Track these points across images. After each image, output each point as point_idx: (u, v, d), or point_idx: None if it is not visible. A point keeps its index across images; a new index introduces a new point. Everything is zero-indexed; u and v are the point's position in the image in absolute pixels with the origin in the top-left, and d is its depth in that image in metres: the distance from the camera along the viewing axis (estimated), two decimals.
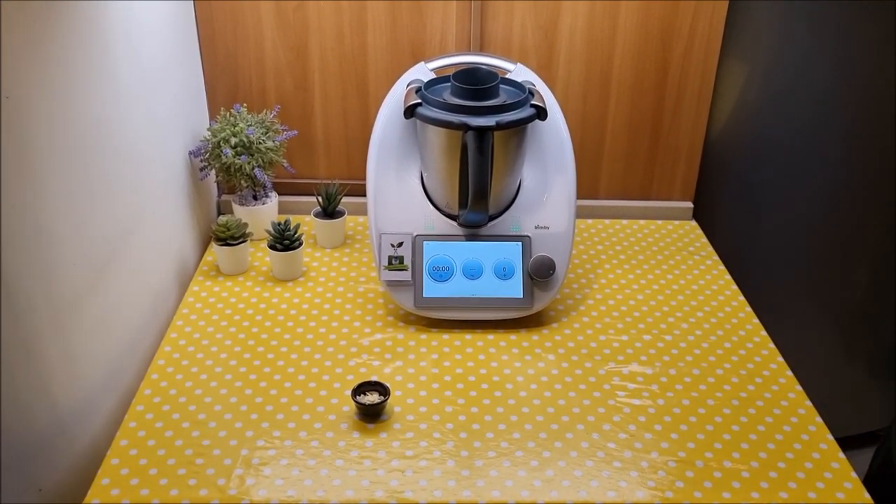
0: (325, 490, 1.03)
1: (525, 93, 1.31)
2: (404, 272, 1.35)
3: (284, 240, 1.46)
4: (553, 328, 1.38)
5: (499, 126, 1.24)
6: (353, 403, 1.16)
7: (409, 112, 1.30)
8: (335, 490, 1.03)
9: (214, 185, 1.71)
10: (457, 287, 1.35)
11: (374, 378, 1.22)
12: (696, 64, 1.64)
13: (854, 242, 1.82)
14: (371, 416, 1.16)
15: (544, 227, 1.37)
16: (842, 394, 1.97)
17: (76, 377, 1.08)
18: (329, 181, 1.62)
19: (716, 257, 1.63)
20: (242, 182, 1.54)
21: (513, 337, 1.35)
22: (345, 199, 1.61)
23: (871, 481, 1.18)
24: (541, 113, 1.30)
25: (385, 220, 1.37)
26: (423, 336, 1.34)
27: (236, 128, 1.51)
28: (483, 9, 1.57)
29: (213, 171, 1.55)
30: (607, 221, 1.76)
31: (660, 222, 1.76)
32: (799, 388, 1.25)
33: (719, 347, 1.34)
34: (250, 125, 1.52)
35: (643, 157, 1.74)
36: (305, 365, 1.27)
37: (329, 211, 1.59)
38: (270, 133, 1.55)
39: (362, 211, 1.60)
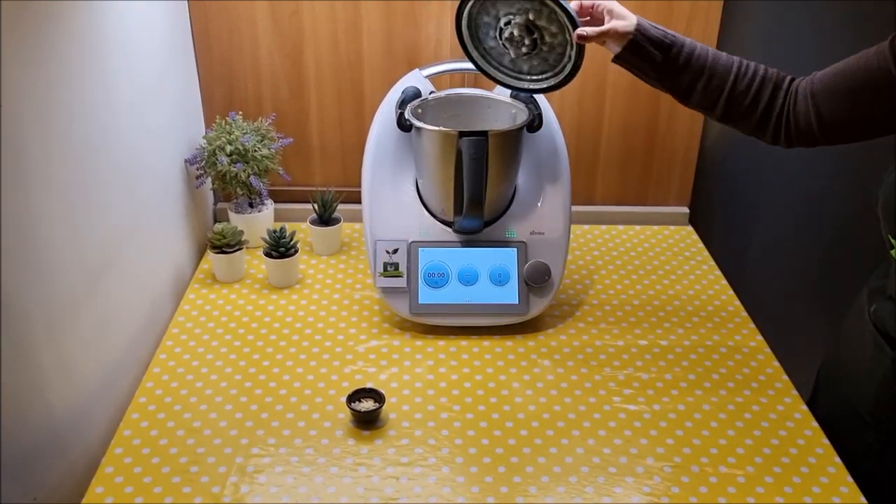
0: (320, 497, 1.03)
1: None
2: (399, 279, 1.35)
3: (280, 247, 1.46)
4: (548, 334, 1.38)
5: (493, 132, 1.25)
6: (348, 410, 1.16)
7: (403, 124, 1.30)
8: (330, 497, 1.03)
9: (210, 193, 1.71)
10: (452, 293, 1.35)
11: (369, 385, 1.22)
12: None
13: (851, 246, 1.81)
14: (366, 422, 1.16)
15: (539, 233, 1.37)
16: None
17: (71, 385, 1.08)
18: (325, 188, 1.62)
19: (712, 262, 1.63)
20: (238, 190, 1.54)
21: (508, 343, 1.35)
22: (340, 207, 1.61)
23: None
24: (535, 120, 1.31)
25: (380, 226, 1.37)
26: (419, 342, 1.34)
27: (232, 135, 1.51)
28: None
29: (209, 179, 1.55)
30: (603, 227, 1.76)
31: (656, 227, 1.76)
32: (795, 392, 1.25)
33: (715, 352, 1.34)
34: (246, 133, 1.53)
35: (639, 162, 1.74)
36: (301, 372, 1.27)
37: (325, 218, 1.59)
38: (266, 140, 1.55)
39: (358, 218, 1.59)
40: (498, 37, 1.18)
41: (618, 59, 1.12)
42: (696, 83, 1.10)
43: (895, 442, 1.11)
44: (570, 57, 1.15)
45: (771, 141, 1.12)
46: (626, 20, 1.09)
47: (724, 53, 1.12)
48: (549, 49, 1.17)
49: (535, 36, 1.15)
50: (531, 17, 1.13)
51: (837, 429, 1.18)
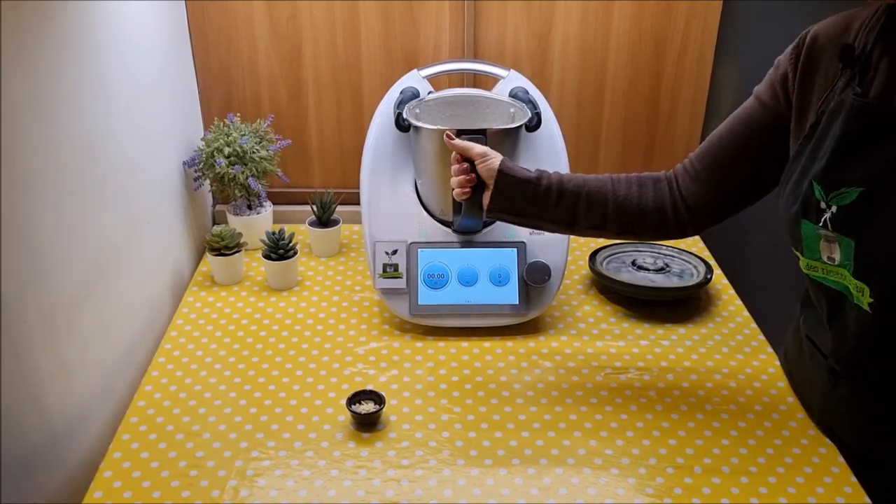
0: (320, 500, 1.02)
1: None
2: (399, 280, 1.34)
3: (279, 249, 1.46)
4: (549, 335, 1.37)
5: (491, 131, 1.24)
6: (348, 413, 1.15)
7: (401, 125, 1.30)
8: (330, 500, 1.02)
9: (209, 195, 1.70)
10: (452, 294, 1.34)
11: (369, 387, 1.22)
12: (689, 69, 1.64)
13: None
14: (366, 425, 1.15)
15: (539, 233, 1.36)
16: None
17: (70, 389, 1.07)
18: (323, 190, 1.62)
19: (713, 261, 1.62)
20: (237, 192, 1.54)
21: (509, 344, 1.34)
22: (339, 208, 1.60)
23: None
24: (534, 119, 1.30)
25: (379, 227, 1.36)
26: (419, 344, 1.34)
27: (230, 137, 1.51)
28: (476, 16, 1.57)
29: (208, 181, 1.55)
30: None
31: None
32: None
33: (717, 352, 1.33)
34: (244, 135, 1.52)
35: (638, 162, 1.73)
36: (300, 375, 1.26)
37: (324, 220, 1.59)
38: (264, 142, 1.55)
39: (357, 219, 1.59)
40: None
41: (491, 211, 1.13)
42: (577, 206, 1.11)
43: (843, 452, 1.11)
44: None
45: (678, 233, 1.13)
46: (488, 164, 1.11)
47: (592, 175, 1.13)
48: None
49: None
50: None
51: None
